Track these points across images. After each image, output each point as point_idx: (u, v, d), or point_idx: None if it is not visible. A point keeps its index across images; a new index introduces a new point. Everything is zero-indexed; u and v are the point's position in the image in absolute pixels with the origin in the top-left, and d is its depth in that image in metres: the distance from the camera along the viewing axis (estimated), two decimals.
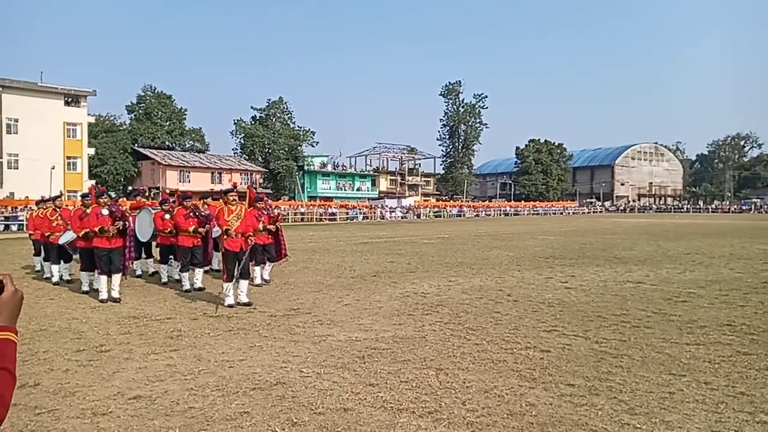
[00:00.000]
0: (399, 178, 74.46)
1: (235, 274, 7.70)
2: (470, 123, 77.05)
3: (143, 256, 11.14)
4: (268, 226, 9.35)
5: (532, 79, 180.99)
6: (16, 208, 33.93)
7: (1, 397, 1.20)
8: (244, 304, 7.75)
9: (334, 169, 68.37)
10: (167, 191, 12.53)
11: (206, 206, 10.44)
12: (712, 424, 3.64)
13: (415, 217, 53.47)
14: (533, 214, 63.77)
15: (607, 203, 79.41)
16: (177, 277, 9.81)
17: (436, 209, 58.27)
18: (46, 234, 10.46)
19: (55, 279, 10.22)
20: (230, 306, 7.65)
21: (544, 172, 77.92)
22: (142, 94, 60.23)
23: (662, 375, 4.64)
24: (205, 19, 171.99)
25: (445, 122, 78.08)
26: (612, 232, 26.15)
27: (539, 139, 79.76)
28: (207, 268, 10.34)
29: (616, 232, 26.75)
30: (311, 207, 48.36)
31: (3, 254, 16.73)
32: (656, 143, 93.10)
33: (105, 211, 8.36)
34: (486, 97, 77.53)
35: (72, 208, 10.52)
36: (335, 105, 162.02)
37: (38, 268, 11.88)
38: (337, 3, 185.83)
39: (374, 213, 50.74)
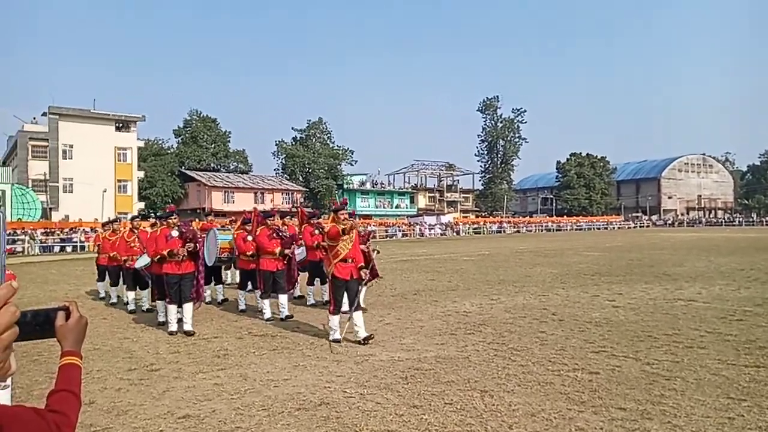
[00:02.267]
0: (437, 194, 74.34)
1: (344, 307, 6.82)
2: (509, 138, 76.58)
3: (212, 281, 10.36)
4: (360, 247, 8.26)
5: (572, 92, 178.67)
6: (72, 230, 35.46)
7: (68, 418, 1.26)
8: (366, 339, 6.58)
9: (373, 187, 68.90)
10: (249, 210, 11.83)
11: (286, 227, 9.85)
12: None
13: (455, 234, 53.14)
14: (576, 229, 62.44)
15: (654, 217, 77.01)
16: (260, 306, 8.81)
17: (475, 226, 57.80)
18: (123, 258, 9.70)
19: (131, 306, 9.47)
20: (336, 341, 6.62)
21: (586, 186, 76.47)
22: (189, 118, 62.33)
23: (719, 399, 4.43)
24: (246, 46, 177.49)
25: (483, 138, 77.87)
26: (660, 248, 25.29)
27: (581, 153, 78.43)
28: (291, 293, 9.65)
29: (664, 247, 25.86)
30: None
31: (59, 275, 17.47)
32: (704, 154, 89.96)
33: (175, 233, 7.70)
34: (525, 111, 77.22)
35: (150, 230, 9.63)
36: (373, 123, 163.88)
37: (102, 294, 11.27)
38: (372, 22, 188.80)
39: (413, 230, 50.71)
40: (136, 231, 9.80)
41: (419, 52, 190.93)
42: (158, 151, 59.55)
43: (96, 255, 11.93)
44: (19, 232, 32.34)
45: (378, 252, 7.80)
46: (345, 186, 65.07)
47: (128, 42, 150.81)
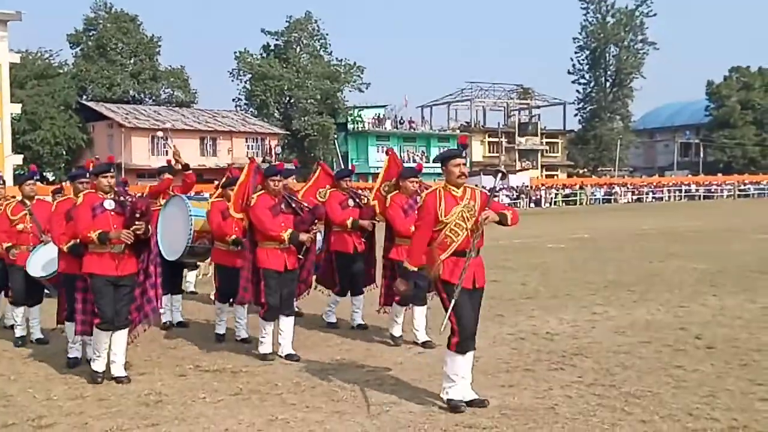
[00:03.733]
0: (504, 140, 73.93)
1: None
2: (626, 43, 75.64)
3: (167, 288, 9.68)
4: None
5: None
6: None
7: None
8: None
9: (397, 127, 68.76)
10: (234, 166, 11.11)
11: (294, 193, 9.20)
12: None
13: (532, 204, 53.01)
14: (740, 195, 61.69)
15: None
16: (241, 332, 8.83)
17: (568, 190, 57.46)
18: (4, 246, 8.89)
19: (19, 332, 8.97)
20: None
21: (757, 124, 75.66)
22: (93, 16, 62.54)
23: None
24: None
25: (582, 43, 77.08)
26: None
27: (748, 67, 77.19)
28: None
29: None
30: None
31: None
32: None
33: (110, 203, 7.04)
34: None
35: (53, 200, 9.34)
36: (396, 24, 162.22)
37: None
38: None
39: None
40: (27, 203, 9.04)
41: None
42: (44, 70, 60.01)
43: None
44: None
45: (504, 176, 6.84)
46: (350, 126, 65.03)
47: None
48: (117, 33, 62.03)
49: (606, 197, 57.53)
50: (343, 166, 60.28)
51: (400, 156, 64.74)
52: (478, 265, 6.05)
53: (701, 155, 77.24)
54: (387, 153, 9.88)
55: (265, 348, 7.89)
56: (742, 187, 64.84)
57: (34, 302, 8.96)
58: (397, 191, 8.48)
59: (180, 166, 9.63)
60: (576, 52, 77.60)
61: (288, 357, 7.81)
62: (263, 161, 57.92)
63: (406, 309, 8.41)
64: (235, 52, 66.80)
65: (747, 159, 74.75)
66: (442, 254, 5.91)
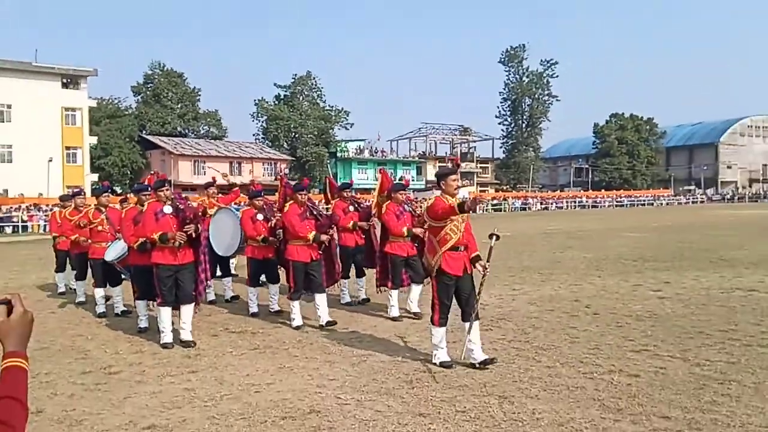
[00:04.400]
0: (450, 164, 74.25)
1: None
2: (536, 96, 76.13)
3: (218, 273, 9.84)
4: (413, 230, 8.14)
5: (613, 42, 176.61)
6: (11, 207, 35.46)
7: (13, 430, 1.30)
8: (483, 363, 5.76)
9: (372, 155, 68.76)
10: (256, 181, 10.76)
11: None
12: None
13: (471, 211, 53.13)
14: (616, 205, 62.52)
15: (710, 191, 76.99)
16: (274, 306, 8.52)
17: (495, 201, 57.78)
18: (87, 242, 8.91)
19: (101, 309, 8.65)
20: (446, 365, 5.78)
21: (629, 154, 76.35)
22: (150, 72, 62.07)
23: None
24: None
25: (505, 95, 77.41)
26: (717, 228, 25.33)
27: (623, 114, 78.10)
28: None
29: (721, 227, 25.90)
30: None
31: None
32: None
33: (168, 209, 6.83)
34: (556, 63, 76.59)
35: (121, 207, 9.09)
36: (372, 80, 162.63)
37: (62, 289, 10.71)
38: None
39: (420, 207, 50.80)
40: (103, 210, 8.89)
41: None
42: (114, 112, 59.47)
43: (53, 238, 11.31)
44: None
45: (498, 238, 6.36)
46: (339, 154, 64.99)
47: None
48: (168, 85, 61.60)
49: (522, 206, 57.99)
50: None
51: (375, 177, 65.07)
52: (466, 257, 5.87)
53: (590, 176, 78.02)
54: (380, 172, 9.62)
55: (297, 322, 7.53)
56: (619, 199, 65.93)
57: (114, 283, 8.68)
58: (390, 201, 8.27)
59: (227, 183, 9.80)
60: (501, 102, 78.04)
61: (328, 324, 7.42)
62: (275, 179, 57.82)
63: (399, 291, 8.13)
64: (255, 100, 67.12)
65: (622, 179, 75.49)
66: (443, 247, 5.70)
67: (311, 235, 7.43)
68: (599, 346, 6.39)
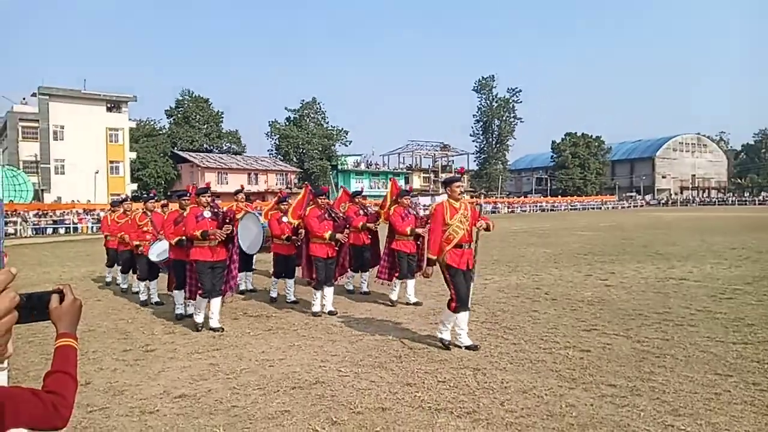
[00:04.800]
0: (432, 175, 74.20)
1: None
2: (504, 118, 76.28)
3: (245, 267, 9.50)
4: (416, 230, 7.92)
5: (568, 72, 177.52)
6: (64, 212, 35.29)
7: (65, 399, 1.29)
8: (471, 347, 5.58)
9: (367, 167, 68.72)
10: (285, 190, 10.18)
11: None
12: (761, 426, 3.53)
13: (422, 215, 53.12)
14: (571, 209, 62.64)
15: (648, 197, 77.32)
16: (291, 297, 8.32)
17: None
18: (135, 243, 8.78)
19: (144, 297, 8.60)
20: (471, 347, 5.57)
21: (581, 166, 76.56)
22: (180, 98, 61.74)
23: (707, 375, 4.52)
24: (239, 25, 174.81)
25: (478, 118, 77.54)
26: (653, 227, 25.45)
27: (576, 133, 78.38)
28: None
29: (657, 226, 26.03)
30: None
31: (52, 257, 17.44)
32: (699, 134, 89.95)
33: (207, 213, 6.74)
34: (520, 91, 76.73)
35: (162, 212, 9.08)
36: (368, 104, 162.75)
37: (109, 279, 10.70)
38: (366, 2, 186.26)
39: (422, 210, 50.87)
40: (149, 213, 8.77)
41: (415, 32, 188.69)
42: (150, 131, 59.12)
43: (104, 237, 11.07)
44: (11, 213, 32.16)
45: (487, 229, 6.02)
46: (339, 167, 64.87)
47: (119, 21, 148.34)
48: (196, 109, 61.22)
49: (492, 210, 58.07)
50: (338, 193, 60.47)
51: (370, 185, 65.07)
52: (469, 254, 5.70)
53: (549, 185, 78.25)
54: (390, 180, 9.48)
55: (316, 308, 7.37)
56: (573, 204, 65.96)
57: (153, 277, 8.56)
58: (397, 204, 8.14)
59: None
60: (475, 123, 78.03)
61: (330, 313, 7.32)
62: (286, 188, 57.63)
63: (401, 282, 8.07)
64: (269, 121, 67.09)
65: (575, 187, 75.62)
66: (447, 246, 5.57)
67: (327, 234, 7.29)
68: (557, 326, 6.40)
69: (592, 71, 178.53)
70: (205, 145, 62.18)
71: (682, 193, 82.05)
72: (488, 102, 76.48)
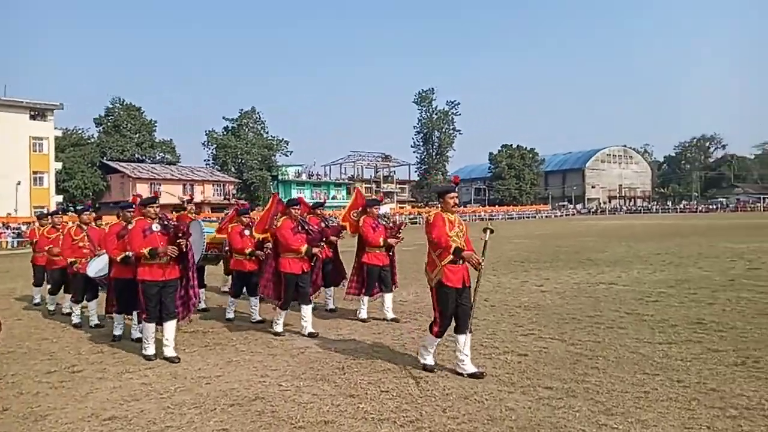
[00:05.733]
0: (374, 185, 74.56)
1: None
2: (444, 130, 77.70)
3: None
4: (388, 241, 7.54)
5: (504, 86, 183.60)
6: None
7: None
8: (474, 375, 4.87)
9: (309, 178, 68.24)
10: (240, 200, 9.26)
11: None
12: (685, 421, 3.73)
13: (391, 224, 53.41)
14: (507, 218, 64.42)
15: (579, 206, 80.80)
16: (255, 317, 7.66)
17: (411, 216, 58.43)
18: (70, 261, 7.88)
19: (76, 320, 7.78)
20: (428, 368, 5.18)
21: (517, 177, 78.92)
22: (111, 106, 59.26)
23: (637, 375, 4.74)
24: (175, 30, 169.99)
25: (419, 129, 78.59)
26: (584, 235, 26.57)
27: (512, 145, 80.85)
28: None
29: (588, 234, 27.18)
30: None
31: None
32: (625, 146, 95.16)
33: (156, 226, 5.93)
34: (458, 104, 78.50)
35: (96, 224, 8.36)
36: (309, 114, 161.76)
37: (37, 300, 9.64)
38: (308, 13, 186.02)
39: (394, 220, 50.71)
40: (84, 227, 7.99)
41: (354, 47, 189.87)
42: (78, 141, 56.27)
43: (31, 253, 10.14)
44: None
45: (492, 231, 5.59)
46: (280, 177, 64.03)
47: (44, 24, 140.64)
48: (127, 117, 58.88)
49: None
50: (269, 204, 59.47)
51: (311, 197, 64.40)
52: (465, 270, 5.11)
53: (487, 195, 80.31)
54: (354, 189, 9.20)
55: (279, 328, 6.83)
56: (509, 213, 67.92)
57: (91, 297, 7.71)
58: (366, 215, 7.60)
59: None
60: (415, 134, 78.87)
61: (310, 335, 6.63)
62: (224, 199, 56.27)
63: (373, 298, 7.58)
64: (206, 131, 65.13)
65: (511, 197, 77.77)
66: (442, 261, 5.04)
67: (304, 248, 6.70)
68: (495, 332, 6.54)
69: (527, 85, 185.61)
70: (136, 155, 59.83)
71: (610, 202, 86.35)
72: (428, 114, 77.74)
